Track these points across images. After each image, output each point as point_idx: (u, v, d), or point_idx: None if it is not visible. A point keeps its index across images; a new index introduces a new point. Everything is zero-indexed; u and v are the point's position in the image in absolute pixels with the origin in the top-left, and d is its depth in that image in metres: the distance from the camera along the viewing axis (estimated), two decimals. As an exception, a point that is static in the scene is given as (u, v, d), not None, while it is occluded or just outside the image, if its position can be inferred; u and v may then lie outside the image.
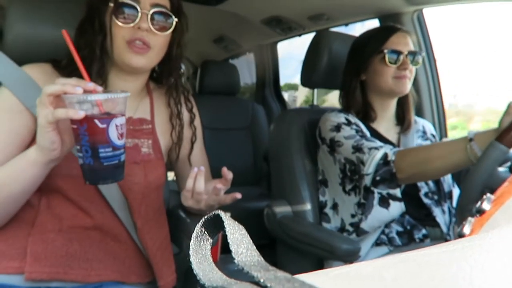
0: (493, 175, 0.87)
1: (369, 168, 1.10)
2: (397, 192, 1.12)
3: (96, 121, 0.67)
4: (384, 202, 1.13)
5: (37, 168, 0.74)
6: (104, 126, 0.67)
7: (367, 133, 1.23)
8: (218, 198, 0.88)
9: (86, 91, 0.68)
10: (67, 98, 0.67)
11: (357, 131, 1.20)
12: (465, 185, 0.89)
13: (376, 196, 1.13)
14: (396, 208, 1.13)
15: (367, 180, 1.11)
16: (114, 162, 0.69)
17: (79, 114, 0.65)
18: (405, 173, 1.06)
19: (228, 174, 0.85)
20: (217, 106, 2.41)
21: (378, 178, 1.09)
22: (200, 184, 0.83)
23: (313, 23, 2.03)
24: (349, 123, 1.23)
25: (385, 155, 1.08)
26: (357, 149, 1.14)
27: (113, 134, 0.68)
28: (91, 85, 0.69)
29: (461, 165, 0.99)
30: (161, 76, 1.02)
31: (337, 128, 1.22)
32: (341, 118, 1.25)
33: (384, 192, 1.12)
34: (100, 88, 0.70)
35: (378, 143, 1.14)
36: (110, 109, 0.69)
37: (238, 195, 0.86)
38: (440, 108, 1.68)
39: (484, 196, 0.35)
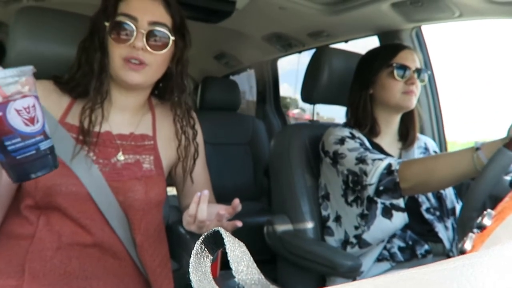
0: (499, 183, 0.87)
1: (372, 178, 1.09)
2: (400, 202, 1.11)
3: None
4: (387, 212, 1.12)
5: None
6: None
7: (370, 148, 1.24)
8: (219, 225, 0.87)
9: None
10: None
11: (361, 144, 1.21)
12: (471, 192, 0.88)
13: (379, 206, 1.13)
14: (399, 219, 1.12)
15: (370, 191, 1.11)
16: (29, 153, 0.59)
17: None
18: (409, 183, 1.05)
19: (237, 206, 0.82)
20: (218, 122, 2.41)
21: (381, 188, 1.09)
22: (203, 211, 0.80)
23: (313, 40, 2.05)
24: (353, 137, 1.24)
25: (389, 165, 1.08)
26: (361, 160, 1.14)
27: (15, 121, 0.58)
28: None
29: (466, 174, 0.98)
30: (164, 93, 1.02)
31: (341, 141, 1.23)
32: (346, 132, 1.25)
33: (387, 203, 1.12)
34: None
35: (381, 155, 1.15)
36: (16, 92, 0.59)
37: (239, 224, 0.84)
38: (440, 125, 1.68)
39: (485, 212, 0.34)
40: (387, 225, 1.13)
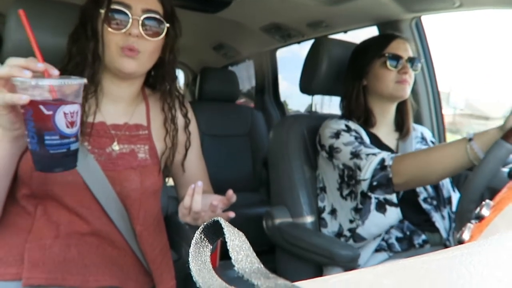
0: (497, 175, 0.87)
1: (366, 174, 1.10)
2: (393, 197, 1.12)
3: (42, 107, 0.64)
4: (381, 207, 1.13)
5: (3, 144, 0.74)
6: (50, 112, 0.64)
7: (367, 139, 1.24)
8: (214, 216, 0.86)
9: (37, 72, 0.65)
10: (16, 81, 0.64)
11: (356, 138, 1.21)
12: (468, 185, 0.88)
13: (373, 201, 1.13)
14: (393, 214, 1.13)
15: (364, 186, 1.11)
16: (61, 150, 0.67)
17: (23, 99, 0.63)
18: (403, 178, 1.06)
19: (232, 197, 0.82)
20: (217, 113, 2.41)
21: (374, 183, 1.10)
22: (197, 203, 0.80)
23: (312, 30, 2.03)
24: (348, 129, 1.24)
25: (383, 160, 1.09)
26: (355, 155, 1.15)
27: (60, 121, 0.65)
28: (41, 66, 0.66)
29: (460, 166, 0.98)
30: (156, 82, 1.02)
31: (337, 134, 1.23)
32: (341, 125, 1.25)
33: (381, 198, 1.12)
34: (55, 72, 0.67)
35: (376, 149, 1.15)
36: (64, 95, 0.66)
37: (231, 214, 0.83)
38: (439, 115, 1.68)
39: (483, 202, 0.35)
40: (382, 220, 1.13)
